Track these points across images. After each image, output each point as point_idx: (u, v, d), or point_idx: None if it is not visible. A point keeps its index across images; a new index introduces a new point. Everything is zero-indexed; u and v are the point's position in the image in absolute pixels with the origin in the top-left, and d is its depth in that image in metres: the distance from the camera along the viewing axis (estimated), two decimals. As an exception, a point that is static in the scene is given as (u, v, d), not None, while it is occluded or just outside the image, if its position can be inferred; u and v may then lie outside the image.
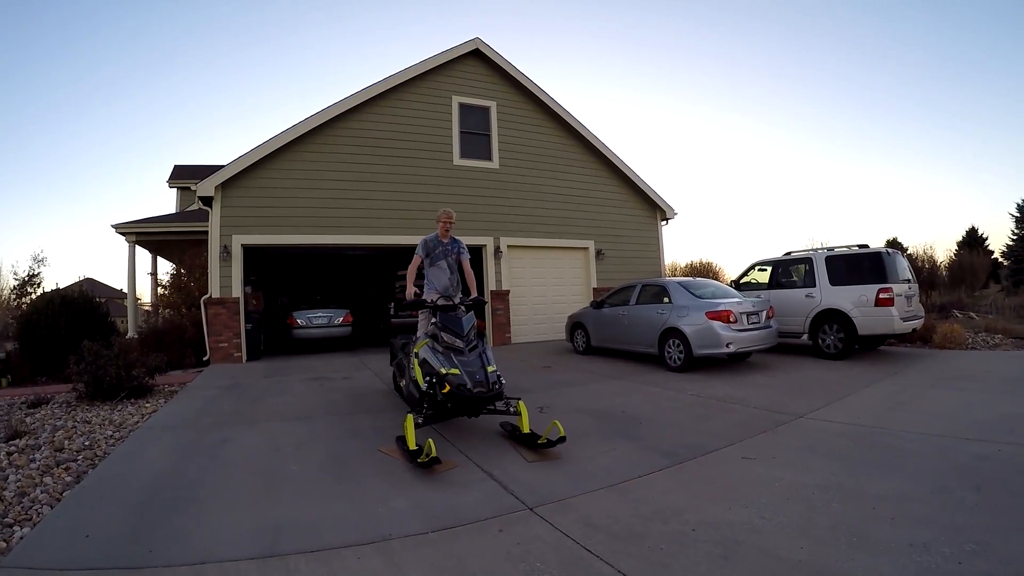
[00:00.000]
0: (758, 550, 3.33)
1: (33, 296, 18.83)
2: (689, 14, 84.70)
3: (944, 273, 28.82)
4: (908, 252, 26.10)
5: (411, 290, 6.95)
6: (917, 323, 11.21)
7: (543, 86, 16.56)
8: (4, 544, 3.77)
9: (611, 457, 5.17)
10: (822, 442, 5.44)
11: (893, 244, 25.72)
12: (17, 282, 21.30)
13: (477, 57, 16.11)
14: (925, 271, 26.58)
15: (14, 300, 21.82)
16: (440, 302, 6.46)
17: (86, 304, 12.83)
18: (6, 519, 4.18)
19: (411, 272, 7.14)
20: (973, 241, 33.58)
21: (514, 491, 4.39)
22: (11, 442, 6.42)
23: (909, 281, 11.19)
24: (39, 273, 21.31)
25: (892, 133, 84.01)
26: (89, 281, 30.98)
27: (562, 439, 5.21)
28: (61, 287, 14.79)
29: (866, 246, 11.24)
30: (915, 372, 9.39)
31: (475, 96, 16.02)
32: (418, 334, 6.94)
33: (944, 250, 32.58)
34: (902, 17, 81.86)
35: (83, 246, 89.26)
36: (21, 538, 3.85)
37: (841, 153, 79.41)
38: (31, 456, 5.79)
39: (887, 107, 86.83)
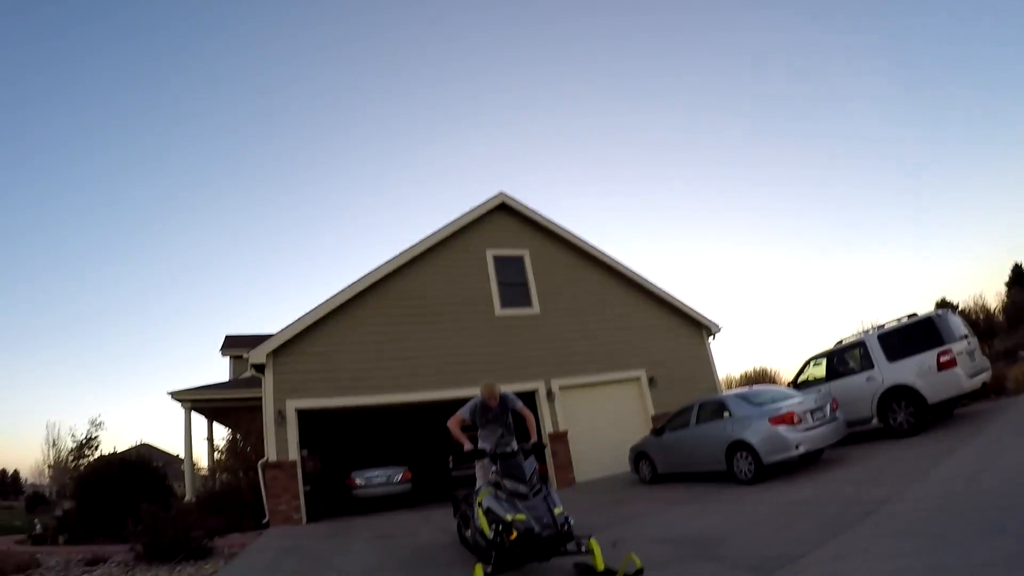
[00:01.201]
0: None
1: (91, 459, 19.10)
2: (706, 114, 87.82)
3: (1000, 317, 27.92)
4: (959, 308, 25.43)
5: (465, 442, 6.91)
6: (985, 376, 10.76)
7: (570, 226, 17.11)
8: None
9: (695, 581, 4.84)
10: (914, 523, 5.11)
11: (943, 304, 25.01)
12: (76, 444, 21.73)
13: (504, 210, 16.76)
14: (981, 321, 25.69)
15: (72, 461, 22.14)
16: (500, 449, 6.39)
17: (143, 467, 13.01)
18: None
19: (454, 427, 7.15)
20: (1019, 278, 32.00)
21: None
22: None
23: (967, 337, 10.83)
24: (96, 436, 21.80)
25: (919, 193, 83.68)
26: (146, 446, 31.39)
27: (640, 572, 4.89)
28: (118, 451, 15.02)
29: (915, 314, 11.05)
30: (996, 426, 9.08)
31: (507, 247, 16.51)
32: (479, 484, 6.86)
33: (994, 295, 31.40)
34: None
35: (140, 412, 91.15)
36: None
37: (871, 227, 79.04)
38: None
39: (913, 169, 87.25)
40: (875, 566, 4.27)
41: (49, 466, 34.64)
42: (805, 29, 77.33)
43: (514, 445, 6.91)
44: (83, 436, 21.51)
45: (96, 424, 22.67)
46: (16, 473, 63.79)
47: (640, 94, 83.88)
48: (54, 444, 34.57)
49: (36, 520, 14.46)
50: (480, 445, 7.13)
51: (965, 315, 22.29)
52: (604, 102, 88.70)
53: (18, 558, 8.91)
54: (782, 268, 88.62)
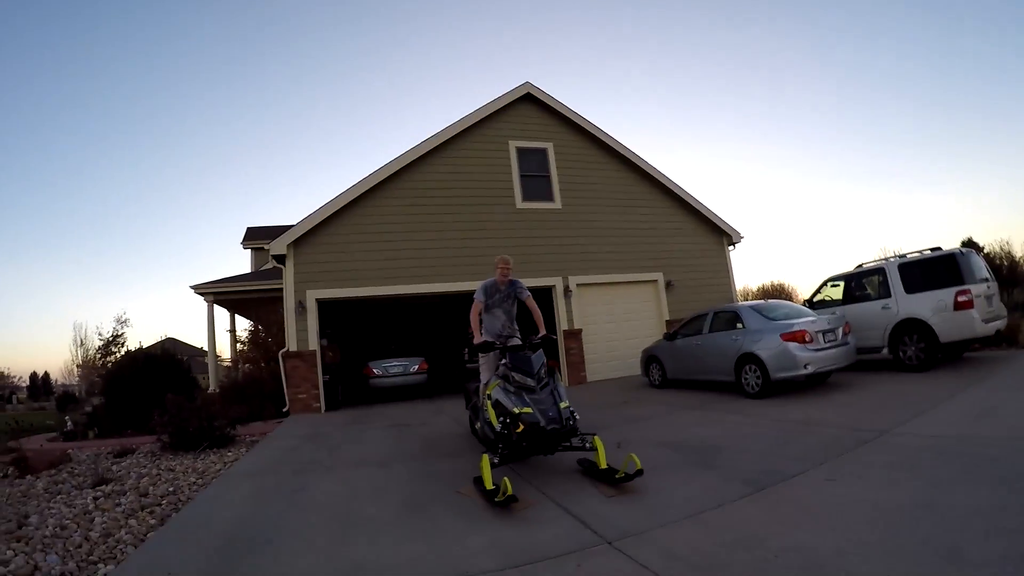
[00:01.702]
0: (845, 574, 3.17)
1: (117, 355, 19.68)
2: (748, 30, 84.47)
3: None
4: (984, 251, 24.90)
5: (478, 334, 6.94)
6: (1000, 324, 10.58)
7: (597, 122, 16.62)
8: None
9: (691, 488, 5.02)
10: (908, 458, 5.16)
11: (969, 244, 24.42)
12: (102, 342, 22.32)
13: (529, 101, 16.31)
14: (1005, 268, 25.13)
15: (99, 359, 22.81)
16: (508, 343, 6.46)
17: (168, 361, 13.40)
18: (91, 557, 4.39)
19: (474, 317, 7.11)
20: None
21: (592, 526, 4.29)
22: (98, 488, 6.76)
23: (987, 280, 10.59)
24: (123, 333, 22.36)
25: (956, 127, 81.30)
26: (171, 340, 32.31)
27: (639, 472, 5.08)
28: (144, 346, 15.45)
29: (939, 249, 10.76)
30: (1002, 376, 8.94)
31: (531, 139, 16.17)
32: (483, 378, 6.97)
33: (1021, 243, 30.51)
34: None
35: (164, 307, 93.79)
36: (105, 575, 3.98)
37: (908, 154, 77.10)
38: (117, 501, 6.08)
39: (952, 103, 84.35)
40: (864, 494, 4.35)
41: (78, 365, 35.81)
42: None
43: (518, 335, 7.03)
44: (109, 334, 22.03)
45: (122, 321, 23.21)
46: (46, 375, 66.40)
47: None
48: (81, 344, 35.65)
49: (67, 418, 15.04)
50: (483, 330, 7.19)
51: (989, 259, 21.77)
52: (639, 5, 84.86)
53: (51, 454, 9.36)
54: (813, 187, 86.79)
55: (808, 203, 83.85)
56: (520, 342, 6.52)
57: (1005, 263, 26.12)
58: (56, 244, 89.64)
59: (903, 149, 78.81)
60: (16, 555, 4.47)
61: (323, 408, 13.13)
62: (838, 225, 75.22)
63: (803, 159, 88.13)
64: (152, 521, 5.32)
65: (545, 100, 16.24)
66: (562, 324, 15.26)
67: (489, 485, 5.01)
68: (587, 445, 5.65)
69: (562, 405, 5.52)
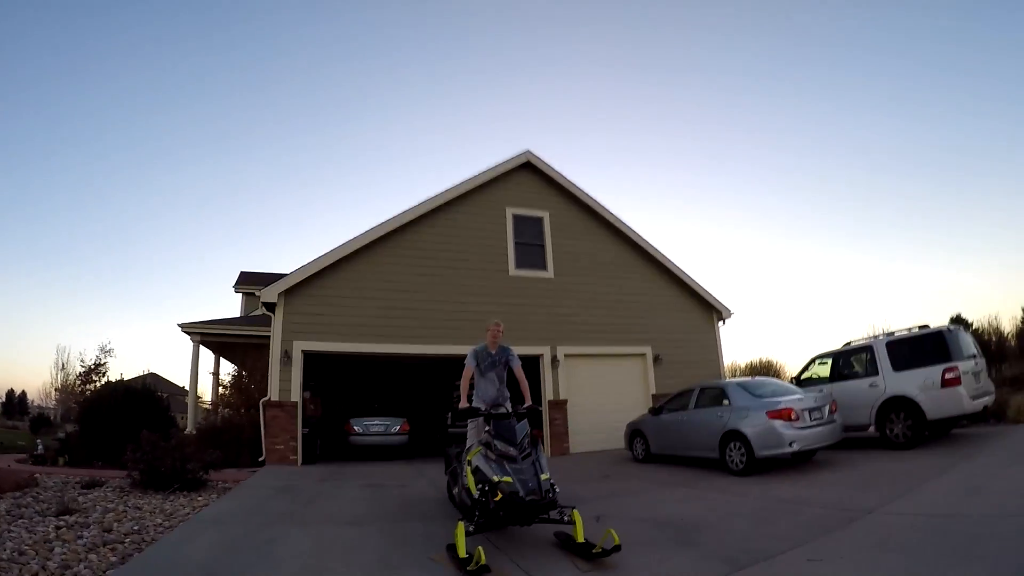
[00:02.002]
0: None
1: (98, 384, 19.41)
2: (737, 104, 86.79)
3: (1013, 343, 27.17)
4: (973, 327, 25.05)
5: (465, 400, 6.94)
6: (988, 400, 10.63)
7: (591, 188, 16.96)
8: None
9: (668, 566, 4.93)
10: (893, 537, 5.11)
11: (957, 321, 24.58)
12: (84, 369, 22.04)
13: (529, 169, 16.62)
14: (993, 344, 25.27)
15: (79, 386, 22.46)
16: (495, 410, 6.43)
17: (147, 396, 13.29)
18: (47, 589, 4.22)
19: (464, 382, 7.12)
20: None
21: (565, 601, 4.18)
22: (61, 517, 6.64)
23: (975, 357, 10.69)
24: (105, 363, 22.02)
25: (947, 211, 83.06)
26: (153, 376, 31.96)
27: (617, 548, 4.98)
28: (125, 378, 15.33)
29: (926, 326, 10.89)
30: (990, 452, 8.99)
31: (528, 207, 16.40)
32: (468, 443, 6.93)
33: (1009, 319, 30.80)
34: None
35: (149, 341, 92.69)
36: (59, 610, 3.84)
37: (896, 234, 78.42)
38: (79, 533, 5.96)
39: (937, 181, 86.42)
40: (848, 574, 4.30)
41: (56, 389, 35.28)
42: (848, 19, 75.60)
43: (508, 405, 6.98)
44: (92, 361, 21.76)
45: (106, 351, 22.93)
46: (23, 394, 65.45)
47: (675, 69, 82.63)
48: (63, 368, 35.18)
49: (39, 441, 14.86)
50: (476, 396, 7.18)
51: (978, 335, 21.97)
52: (635, 76, 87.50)
53: (18, 476, 9.23)
54: (801, 263, 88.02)
55: (798, 280, 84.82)
56: (508, 410, 6.48)
57: (993, 339, 26.35)
58: (49, 262, 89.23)
59: (893, 224, 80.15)
60: (-34, 577, 4.32)
61: (300, 461, 12.87)
62: (828, 301, 75.90)
63: (795, 234, 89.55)
64: (113, 559, 5.17)
65: (544, 169, 16.56)
66: (548, 394, 15.17)
67: (463, 553, 4.89)
68: (565, 518, 5.55)
69: (543, 477, 5.45)
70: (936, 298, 65.88)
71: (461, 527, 5.14)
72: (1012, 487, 6.47)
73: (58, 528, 6.11)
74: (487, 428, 6.12)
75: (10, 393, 66.53)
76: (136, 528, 6.37)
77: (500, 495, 5.20)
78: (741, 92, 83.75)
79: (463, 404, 6.82)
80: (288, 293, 13.42)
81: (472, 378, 7.21)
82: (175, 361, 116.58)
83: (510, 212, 16.10)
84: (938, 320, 11.62)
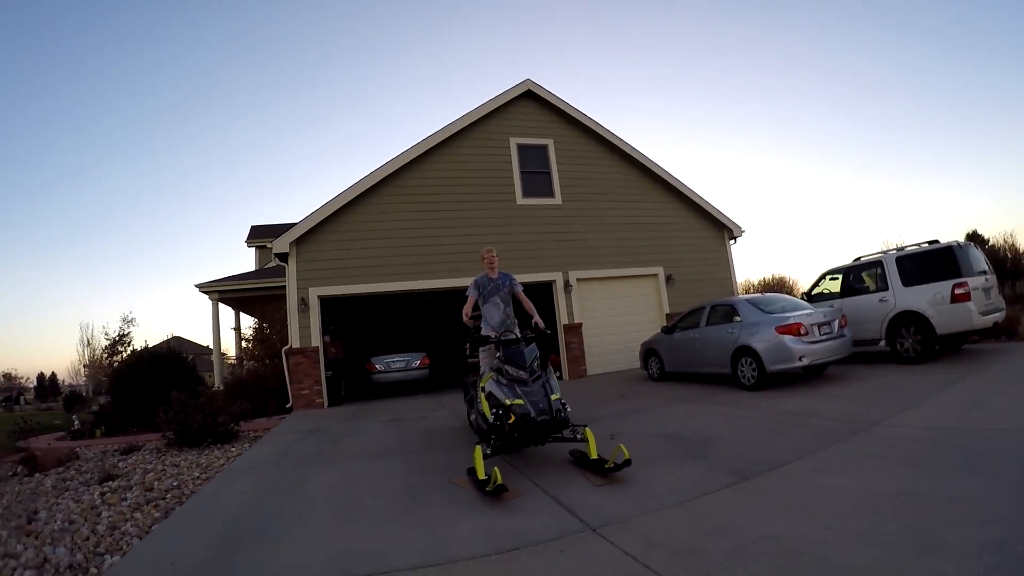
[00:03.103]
0: (820, 560, 3.26)
1: (123, 355, 19.80)
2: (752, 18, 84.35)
3: None
4: (989, 244, 24.80)
5: (470, 324, 7.13)
6: (998, 316, 10.60)
7: (597, 116, 16.70)
8: (96, 570, 4.12)
9: (678, 478, 5.13)
10: (896, 449, 5.26)
11: (972, 237, 24.30)
12: (108, 342, 22.40)
13: (530, 98, 16.41)
14: (1008, 261, 25.05)
15: (106, 359, 22.88)
16: (504, 336, 6.60)
17: (173, 359, 13.60)
18: (98, 549, 4.58)
19: (467, 311, 7.30)
20: None
21: (578, 514, 4.41)
22: (104, 484, 6.97)
23: (986, 273, 10.62)
24: (129, 333, 22.31)
25: (962, 118, 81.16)
26: (176, 339, 32.40)
27: (627, 462, 5.19)
28: (150, 345, 15.65)
29: (936, 241, 10.82)
30: (997, 368, 9.00)
31: (532, 136, 16.28)
32: (481, 370, 7.12)
33: None
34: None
35: (170, 306, 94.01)
36: (111, 565, 4.18)
37: (913, 144, 76.97)
38: (123, 496, 6.29)
39: (960, 95, 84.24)
40: (848, 483, 4.45)
41: (84, 365, 35.93)
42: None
43: (516, 329, 7.17)
44: (116, 333, 22.07)
45: (128, 321, 23.19)
46: (53, 375, 66.80)
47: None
48: (88, 343, 35.78)
49: (74, 417, 15.29)
50: (483, 325, 7.34)
51: (993, 252, 21.68)
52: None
53: (59, 453, 9.56)
54: (815, 180, 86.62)
55: (811, 195, 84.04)
56: (518, 335, 6.64)
57: (1009, 255, 26.06)
58: (62, 244, 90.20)
59: (909, 139, 78.59)
60: (26, 548, 4.64)
61: (326, 403, 13.28)
62: (841, 217, 75.22)
63: (806, 151, 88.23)
64: (157, 514, 5.50)
65: (546, 97, 16.32)
66: (562, 319, 15.38)
67: (481, 475, 5.13)
68: (579, 436, 5.77)
69: (553, 397, 5.66)
70: (954, 216, 65.04)
71: (479, 450, 5.40)
72: (1015, 403, 6.54)
73: (103, 494, 6.45)
74: (498, 354, 6.31)
75: (40, 376, 68.13)
76: (175, 484, 6.71)
77: (513, 417, 5.41)
78: (753, 9, 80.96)
79: (465, 317, 7.06)
80: (299, 242, 13.59)
81: (475, 307, 7.35)
82: (197, 322, 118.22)
83: (514, 142, 15.99)
84: (955, 236, 11.44)
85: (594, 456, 5.55)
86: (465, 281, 13.81)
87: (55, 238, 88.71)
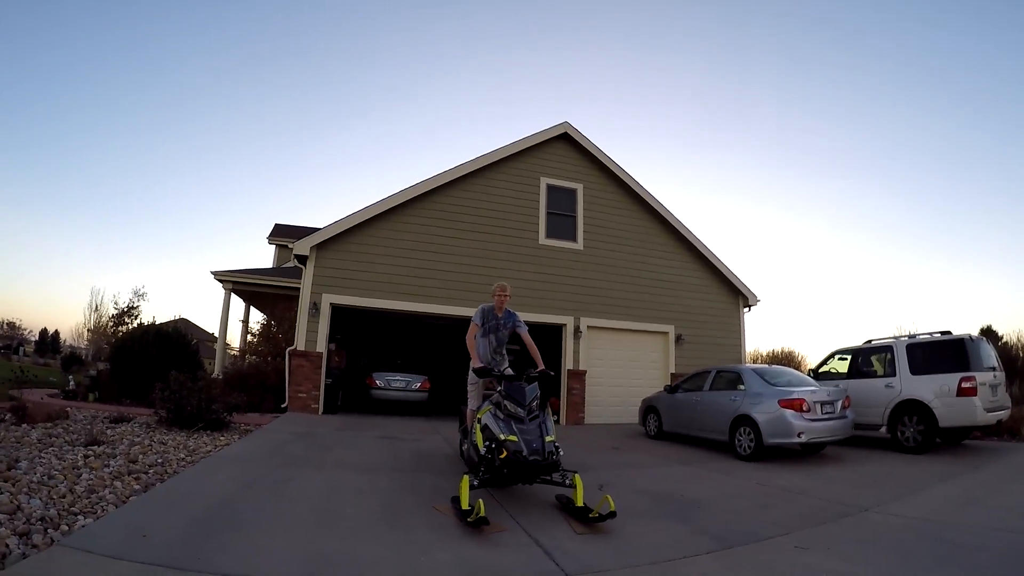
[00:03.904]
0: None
1: (129, 326, 19.92)
2: (780, 103, 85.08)
3: None
4: (1002, 340, 24.57)
5: (476, 359, 7.08)
6: (1003, 414, 10.52)
7: (629, 170, 16.83)
8: (67, 528, 4.16)
9: (660, 536, 5.06)
10: (884, 536, 5.18)
11: (986, 332, 24.09)
12: (116, 311, 22.53)
13: (565, 140, 16.62)
14: (1020, 360, 24.77)
15: (111, 327, 23.01)
16: (507, 372, 6.60)
17: (178, 339, 13.70)
18: (73, 508, 4.61)
19: (470, 340, 7.23)
20: None
21: (556, 558, 4.36)
22: (89, 447, 7.03)
23: (995, 369, 10.51)
24: (138, 306, 22.55)
25: (987, 220, 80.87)
26: (183, 320, 32.49)
27: (612, 514, 5.12)
28: (157, 322, 15.79)
29: (948, 332, 10.76)
30: (997, 466, 8.93)
31: (563, 178, 16.45)
32: (469, 402, 7.18)
33: None
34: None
35: (182, 287, 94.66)
36: (83, 526, 4.19)
37: (936, 236, 76.63)
38: (106, 462, 6.33)
39: (982, 190, 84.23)
40: (832, 564, 4.37)
41: (89, 330, 36.15)
42: (916, 29, 73.27)
43: (507, 364, 7.16)
44: (125, 304, 22.26)
45: (139, 294, 23.45)
46: (56, 333, 67.18)
47: (725, 53, 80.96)
48: (96, 309, 36.04)
49: (70, 377, 15.42)
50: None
51: (1005, 349, 21.52)
52: (677, 51, 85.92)
53: (50, 408, 9.68)
54: (835, 257, 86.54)
55: (828, 270, 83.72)
56: (511, 372, 6.64)
57: (1021, 355, 25.79)
58: (87, 206, 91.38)
59: (934, 227, 78.41)
60: (1, 493, 4.69)
61: (321, 410, 13.28)
62: (856, 296, 74.84)
63: (832, 227, 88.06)
64: (136, 486, 5.51)
65: (580, 141, 16.54)
66: (568, 363, 15.36)
67: (465, 505, 5.10)
68: (567, 482, 5.74)
69: (548, 439, 5.63)
70: (970, 307, 64.63)
71: (466, 480, 5.37)
72: (1010, 503, 6.48)
73: (86, 457, 6.50)
74: (499, 388, 6.29)
75: (43, 332, 68.54)
76: (160, 461, 6.73)
77: (505, 453, 5.38)
78: (788, 77, 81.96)
79: (475, 363, 6.97)
80: (320, 247, 13.72)
81: (475, 332, 7.28)
82: (206, 308, 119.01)
83: (544, 182, 16.17)
84: (968, 329, 11.38)
85: (580, 503, 5.50)
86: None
87: (83, 198, 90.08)
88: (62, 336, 64.20)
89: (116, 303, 24.68)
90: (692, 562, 4.45)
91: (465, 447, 7.24)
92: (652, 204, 17.09)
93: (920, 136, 77.31)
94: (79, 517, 4.45)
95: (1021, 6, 75.64)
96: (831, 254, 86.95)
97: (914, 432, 10.32)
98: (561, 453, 5.68)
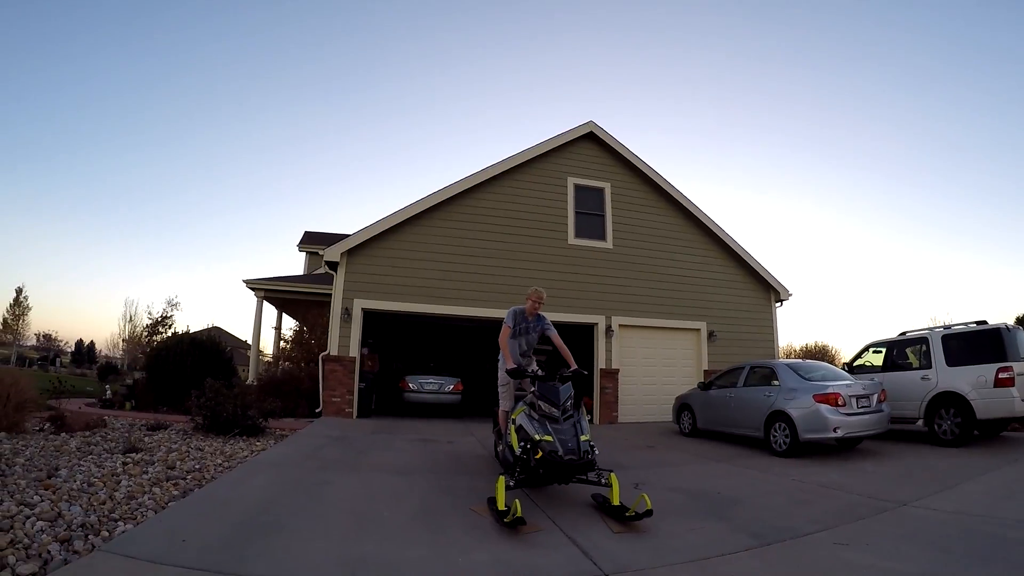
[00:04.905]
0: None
1: (164, 335, 20.29)
2: (805, 95, 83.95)
3: None
4: None
5: (509, 360, 7.13)
6: None
7: (656, 167, 16.81)
8: (107, 534, 4.24)
9: (698, 534, 5.02)
10: (923, 531, 5.10)
11: (1023, 321, 23.67)
12: (151, 321, 22.95)
13: (591, 140, 16.57)
14: None
15: (146, 337, 23.46)
16: (539, 372, 6.60)
17: (212, 347, 13.95)
18: (113, 514, 4.71)
19: (503, 340, 7.27)
20: None
21: (594, 557, 4.34)
22: (128, 455, 7.17)
23: None
24: (172, 316, 22.94)
25: (1019, 207, 79.15)
26: (217, 329, 33.04)
27: (649, 512, 5.10)
28: (191, 330, 16.10)
29: (984, 322, 10.54)
30: None
31: (590, 177, 16.40)
32: (500, 404, 7.20)
33: None
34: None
35: (215, 295, 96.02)
36: (123, 532, 4.28)
37: (971, 226, 75.08)
38: (144, 469, 6.45)
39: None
40: (869, 561, 4.30)
41: (124, 340, 36.91)
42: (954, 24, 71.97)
43: (534, 365, 7.16)
44: (159, 314, 22.69)
45: (172, 304, 23.90)
46: (92, 344, 68.61)
47: (757, 47, 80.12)
48: (130, 320, 36.77)
49: (107, 386, 15.76)
50: (500, 359, 7.38)
51: None
52: (707, 47, 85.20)
53: (88, 417, 9.89)
54: (868, 246, 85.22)
55: (862, 262, 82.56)
56: (541, 373, 6.64)
57: None
58: (119, 214, 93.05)
59: (970, 217, 76.81)
60: (42, 500, 4.81)
61: (355, 414, 13.36)
62: (891, 288, 73.73)
63: (865, 220, 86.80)
64: (175, 492, 5.60)
65: (606, 140, 16.49)
66: (600, 363, 15.31)
67: (501, 506, 5.09)
68: (603, 481, 5.70)
69: (582, 438, 5.61)
70: (1004, 297, 63.32)
71: (502, 481, 5.35)
72: (1050, 497, 6.35)
73: (124, 464, 6.63)
74: (532, 389, 6.28)
75: (79, 343, 70.05)
76: (197, 467, 6.84)
77: (540, 453, 5.37)
78: (819, 70, 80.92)
79: (508, 364, 6.99)
80: (350, 253, 13.84)
81: (508, 333, 7.32)
82: (239, 316, 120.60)
83: (571, 182, 16.14)
84: (1004, 319, 11.15)
85: (616, 502, 5.47)
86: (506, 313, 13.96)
87: (114, 207, 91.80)
88: (98, 347, 65.70)
89: (150, 313, 25.36)
90: (730, 560, 4.40)
91: (500, 448, 7.27)
92: (680, 200, 16.96)
93: (947, 127, 75.80)
94: (119, 523, 4.54)
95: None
96: (863, 247, 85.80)
97: (951, 425, 10.13)
98: (596, 452, 5.65)
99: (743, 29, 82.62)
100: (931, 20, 75.75)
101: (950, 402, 10.17)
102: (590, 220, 16.15)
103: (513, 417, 6.30)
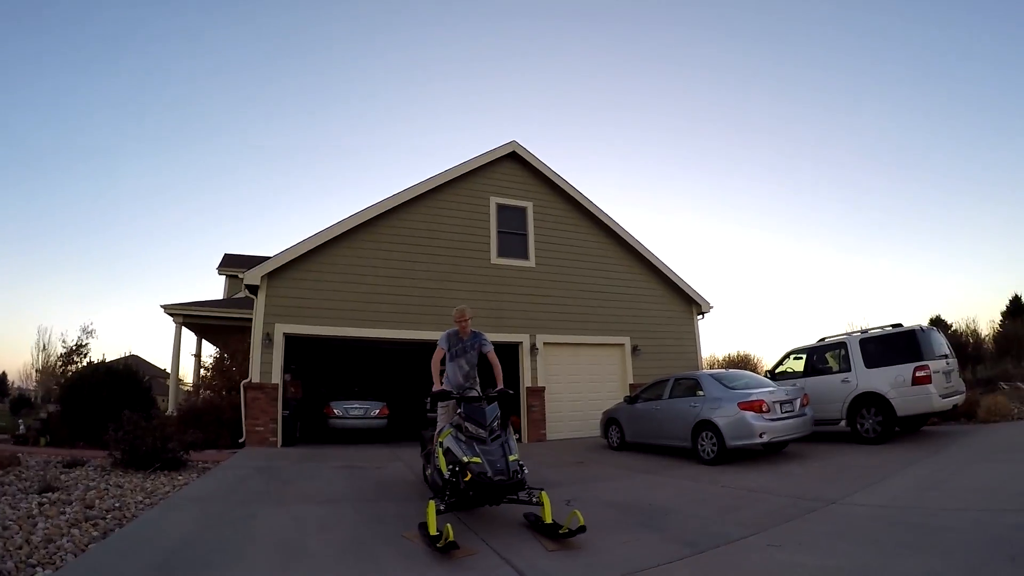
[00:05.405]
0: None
1: (79, 365, 19.36)
2: (730, 103, 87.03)
3: (990, 346, 28.01)
4: (951, 328, 25.55)
5: (438, 382, 7.07)
6: (958, 399, 10.92)
7: (578, 185, 17.09)
8: None
9: (632, 547, 5.07)
10: (852, 526, 5.31)
11: (936, 322, 25.06)
12: (65, 350, 21.93)
13: (514, 159, 16.74)
14: (970, 346, 25.83)
15: (60, 367, 22.36)
16: (465, 394, 6.58)
17: (129, 377, 13.34)
18: (30, 560, 4.43)
19: (435, 364, 7.21)
20: (1017, 309, 31.15)
21: (527, 577, 4.33)
22: (44, 494, 6.80)
23: (947, 357, 10.97)
24: (87, 344, 21.90)
25: (931, 210, 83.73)
26: (134, 357, 31.63)
27: (582, 528, 5.14)
28: (107, 359, 15.39)
29: (899, 325, 11.13)
30: (956, 449, 9.21)
31: (512, 197, 16.54)
32: (439, 426, 7.05)
33: (988, 322, 31.60)
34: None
35: (131, 322, 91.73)
36: (42, 579, 4.00)
37: (880, 233, 78.83)
38: (62, 509, 6.11)
39: (922, 183, 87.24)
40: (804, 559, 4.45)
41: (37, 370, 34.94)
42: (847, 22, 75.97)
43: (478, 388, 7.13)
44: (73, 343, 21.68)
45: (87, 332, 22.83)
46: (3, 375, 64.51)
47: (662, 61, 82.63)
48: (44, 349, 34.84)
49: (20, 421, 14.94)
50: (444, 380, 7.29)
51: (955, 336, 22.43)
52: (621, 68, 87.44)
53: (0, 455, 9.26)
54: (784, 259, 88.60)
55: (778, 273, 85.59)
56: (479, 393, 6.62)
57: (971, 341, 26.89)
58: (30, 242, 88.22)
59: (880, 223, 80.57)
60: (-47, 548, 4.49)
61: (279, 442, 12.97)
62: (809, 298, 76.79)
63: (779, 230, 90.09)
64: (95, 533, 5.33)
65: (529, 160, 16.68)
66: (526, 381, 15.36)
67: (433, 531, 5.04)
68: (534, 499, 5.70)
69: (511, 458, 5.61)
70: (919, 299, 66.85)
71: (432, 506, 5.29)
72: (972, 483, 6.70)
73: (41, 505, 6.27)
74: (459, 411, 6.26)
75: (-11, 374, 65.86)
76: (117, 505, 6.53)
77: (469, 475, 5.34)
78: (729, 87, 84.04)
79: (437, 387, 6.92)
80: (271, 276, 13.49)
81: (442, 357, 7.28)
82: (157, 343, 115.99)
83: (494, 201, 16.23)
84: (918, 320, 11.83)
85: (549, 520, 5.47)
86: (433, 335, 13.77)
87: (22, 235, 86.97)
88: (10, 378, 61.77)
89: (64, 341, 24.07)
90: (666, 569, 4.47)
91: (429, 472, 7.19)
92: (602, 219, 17.30)
93: (859, 133, 79.65)
94: (37, 569, 4.29)
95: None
96: (779, 256, 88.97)
97: (873, 423, 10.62)
98: (526, 471, 5.65)
99: (657, 52, 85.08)
100: (828, 30, 79.63)
101: (871, 402, 10.69)
102: (513, 239, 16.26)
103: (440, 440, 6.24)
